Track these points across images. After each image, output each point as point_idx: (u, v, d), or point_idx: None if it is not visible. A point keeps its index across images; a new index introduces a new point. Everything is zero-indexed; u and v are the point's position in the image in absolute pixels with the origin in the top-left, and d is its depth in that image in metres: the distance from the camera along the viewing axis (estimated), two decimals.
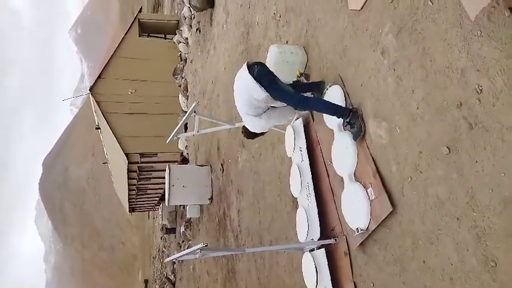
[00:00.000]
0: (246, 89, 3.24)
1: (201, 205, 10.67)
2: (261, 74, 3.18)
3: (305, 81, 4.24)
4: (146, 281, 29.42)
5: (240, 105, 3.42)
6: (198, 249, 3.27)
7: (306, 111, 4.20)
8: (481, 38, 2.11)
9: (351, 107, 3.32)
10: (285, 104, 3.37)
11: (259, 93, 3.15)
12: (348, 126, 3.31)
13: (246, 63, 3.24)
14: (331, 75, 3.76)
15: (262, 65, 3.27)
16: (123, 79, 17.11)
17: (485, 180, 2.09)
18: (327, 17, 3.92)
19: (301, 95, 3.41)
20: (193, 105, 4.26)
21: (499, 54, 2.01)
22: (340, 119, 3.36)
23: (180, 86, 15.12)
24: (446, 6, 2.34)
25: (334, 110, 3.36)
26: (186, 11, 13.86)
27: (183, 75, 15.15)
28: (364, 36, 3.21)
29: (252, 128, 3.61)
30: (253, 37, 6.69)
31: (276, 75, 3.32)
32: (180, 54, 15.72)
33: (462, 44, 2.23)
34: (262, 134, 3.89)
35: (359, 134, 3.17)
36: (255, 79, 3.12)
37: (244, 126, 3.74)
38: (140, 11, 21.07)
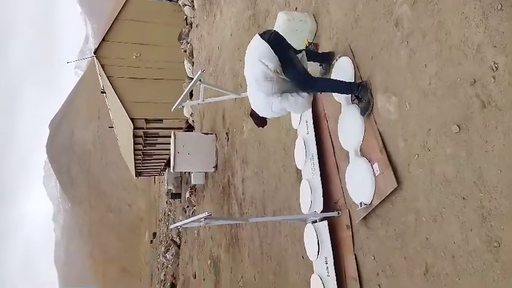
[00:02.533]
0: (258, 55, 2.96)
1: (206, 172, 10.77)
2: (276, 40, 2.99)
3: (314, 50, 4.12)
4: (154, 234, 30.39)
5: (251, 78, 3.11)
6: (202, 217, 3.32)
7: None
8: (501, 12, 2.00)
9: (360, 81, 3.23)
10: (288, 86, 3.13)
11: (271, 58, 2.91)
12: (356, 100, 3.24)
13: (258, 33, 3.06)
14: (341, 45, 3.64)
15: (276, 33, 3.10)
16: (128, 42, 16.81)
17: (495, 160, 2.05)
18: None
19: (311, 76, 3.24)
20: (198, 73, 4.17)
21: None
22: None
23: (185, 51, 14.84)
24: None
25: (342, 88, 3.26)
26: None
27: (188, 40, 14.82)
28: (377, 6, 3.07)
29: (262, 113, 3.27)
30: (261, 2, 6.46)
31: (291, 46, 3.16)
32: (186, 18, 15.31)
33: (480, 18, 2.13)
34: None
35: (367, 108, 3.11)
36: (268, 43, 2.91)
37: (253, 111, 3.38)
38: None
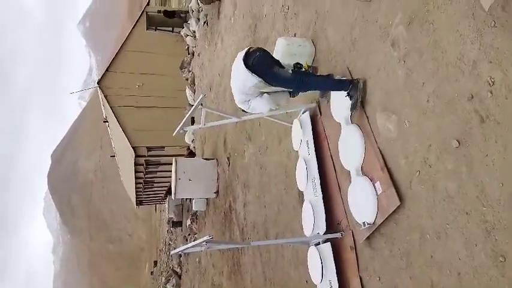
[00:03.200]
0: (239, 80, 3.32)
1: (207, 198, 10.70)
2: (259, 62, 3.22)
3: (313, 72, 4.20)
4: (155, 262, 29.81)
5: (236, 93, 3.49)
6: (203, 241, 3.28)
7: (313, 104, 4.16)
8: (495, 28, 2.06)
9: (351, 79, 3.37)
10: (279, 89, 3.41)
11: (251, 80, 3.20)
12: (348, 97, 3.36)
13: (243, 52, 3.26)
14: (339, 67, 3.71)
15: (263, 51, 3.31)
16: (131, 72, 17.15)
17: (496, 174, 2.05)
18: (336, 8, 3.86)
19: (300, 77, 3.34)
20: (200, 97, 4.24)
21: None
22: (347, 97, 3.38)
23: (187, 79, 15.11)
24: None
25: (334, 85, 3.43)
26: (193, 4, 13.80)
27: (190, 68, 15.13)
28: (374, 28, 3.16)
29: (239, 104, 3.62)
30: (261, 30, 6.64)
31: (276, 60, 3.40)
32: (188, 48, 15.70)
33: (475, 35, 2.19)
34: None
35: (355, 106, 3.29)
36: (249, 68, 3.18)
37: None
38: (148, 4, 21.03)
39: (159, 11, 16.68)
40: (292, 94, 3.59)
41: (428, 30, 2.53)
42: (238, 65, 3.27)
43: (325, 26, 4.09)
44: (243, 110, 3.72)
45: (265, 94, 3.38)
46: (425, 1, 2.56)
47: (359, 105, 3.24)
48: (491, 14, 2.07)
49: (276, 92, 3.46)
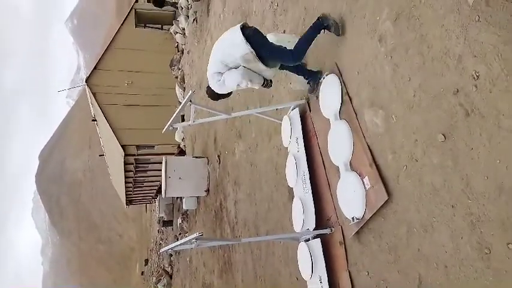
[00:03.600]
0: (229, 45, 3.24)
1: (197, 197, 10.66)
2: (256, 33, 3.26)
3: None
4: (146, 261, 29.59)
5: (213, 62, 3.41)
6: (193, 238, 3.26)
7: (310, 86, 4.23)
8: (479, 23, 2.08)
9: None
10: (264, 68, 3.30)
11: (243, 49, 3.14)
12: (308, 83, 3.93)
13: (241, 24, 3.26)
14: (328, 63, 3.72)
15: (256, 29, 3.34)
16: (120, 70, 16.99)
17: (481, 167, 2.07)
18: (324, 5, 3.87)
19: (290, 50, 3.43)
20: (189, 94, 4.21)
21: (497, 40, 1.98)
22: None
23: (176, 77, 15.03)
24: None
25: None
26: (183, 1, 13.72)
27: (179, 66, 15.04)
28: (361, 24, 3.17)
29: (217, 89, 3.50)
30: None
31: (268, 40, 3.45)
32: (177, 45, 15.60)
33: (460, 29, 2.21)
34: (228, 95, 3.78)
35: (312, 91, 3.95)
36: (245, 37, 3.13)
37: (208, 87, 3.64)
38: (137, 1, 20.85)
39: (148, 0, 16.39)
40: (266, 82, 3.48)
41: (414, 26, 2.55)
42: (232, 33, 3.22)
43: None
44: (208, 93, 3.72)
45: (241, 66, 3.28)
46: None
47: (315, 92, 3.75)
48: (476, 8, 2.09)
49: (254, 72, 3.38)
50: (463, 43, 2.18)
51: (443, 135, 2.30)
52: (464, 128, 2.17)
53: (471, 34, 2.13)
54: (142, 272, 30.55)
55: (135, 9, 17.78)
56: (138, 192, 22.41)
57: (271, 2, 5.49)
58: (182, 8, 13.94)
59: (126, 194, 21.94)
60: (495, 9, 1.98)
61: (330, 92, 3.50)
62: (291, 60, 3.47)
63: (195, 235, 3.24)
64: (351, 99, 3.28)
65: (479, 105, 2.09)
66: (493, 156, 2.01)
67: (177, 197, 15.15)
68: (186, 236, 12.70)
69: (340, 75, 3.45)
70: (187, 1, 13.07)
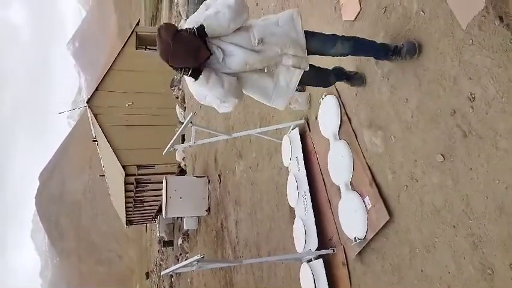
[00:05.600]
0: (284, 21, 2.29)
1: (198, 217, 10.61)
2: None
3: (298, 90, 4.26)
4: (147, 274, 28.98)
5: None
6: (195, 261, 3.25)
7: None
8: (473, 46, 2.14)
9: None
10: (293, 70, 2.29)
11: (296, 29, 2.28)
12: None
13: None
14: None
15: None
16: (121, 91, 17.16)
17: (480, 187, 2.09)
18: (322, 26, 3.96)
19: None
20: (189, 115, 4.27)
21: (491, 63, 2.03)
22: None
23: (177, 97, 15.18)
24: (438, 15, 2.37)
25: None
26: (183, 24, 13.99)
27: (180, 86, 15.21)
28: None
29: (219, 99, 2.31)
30: None
31: None
32: None
33: (454, 52, 2.26)
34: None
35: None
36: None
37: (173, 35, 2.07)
38: (138, 24, 21.25)
39: None
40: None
41: None
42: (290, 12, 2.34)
43: None
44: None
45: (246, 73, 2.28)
46: (407, 20, 2.64)
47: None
48: (469, 32, 2.15)
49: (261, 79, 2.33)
50: (458, 65, 2.23)
51: (442, 155, 2.33)
52: (463, 148, 2.20)
53: (465, 57, 2.19)
54: (147, 273, 29.63)
55: (136, 32, 18.08)
56: (139, 212, 22.27)
57: None
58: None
59: (126, 214, 21.80)
60: (487, 33, 2.04)
61: (329, 112, 3.54)
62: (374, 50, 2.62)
63: (196, 257, 3.23)
64: (350, 120, 3.32)
65: (476, 126, 2.12)
66: (492, 177, 2.03)
67: (178, 217, 15.06)
68: (187, 256, 12.54)
69: (338, 96, 3.50)
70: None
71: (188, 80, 2.24)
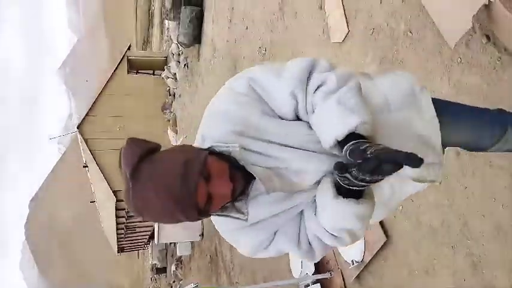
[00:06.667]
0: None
1: (192, 242, 10.39)
2: None
3: None
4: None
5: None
6: None
7: None
8: (462, 64, 2.15)
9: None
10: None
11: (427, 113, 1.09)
12: None
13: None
14: None
15: None
16: (111, 116, 17.11)
17: (476, 206, 2.06)
18: (311, 49, 4.00)
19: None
20: (181, 139, 4.23)
21: (480, 80, 2.04)
22: None
23: (169, 120, 15.16)
24: (426, 35, 2.40)
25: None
26: (174, 48, 14.12)
27: (171, 109, 15.23)
28: (349, 66, 3.26)
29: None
30: (240, 70, 6.78)
31: None
32: (169, 90, 15.88)
33: (443, 71, 2.27)
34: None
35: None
36: None
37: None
38: (129, 48, 21.42)
39: None
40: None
41: (399, 68, 2.63)
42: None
43: None
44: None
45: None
46: (394, 41, 2.67)
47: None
48: (457, 51, 2.17)
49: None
50: (448, 84, 2.24)
51: None
52: (457, 166, 2.18)
53: (455, 75, 2.20)
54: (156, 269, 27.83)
55: (127, 57, 18.22)
56: (130, 238, 21.81)
57: (259, 47, 5.67)
58: (173, 54, 14.33)
59: (117, 241, 21.33)
60: (475, 51, 2.06)
61: None
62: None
63: (191, 285, 3.13)
64: None
65: None
66: (487, 195, 2.00)
67: (171, 242, 14.76)
68: (181, 284, 12.18)
69: None
70: (178, 47, 13.46)
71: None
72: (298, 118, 0.96)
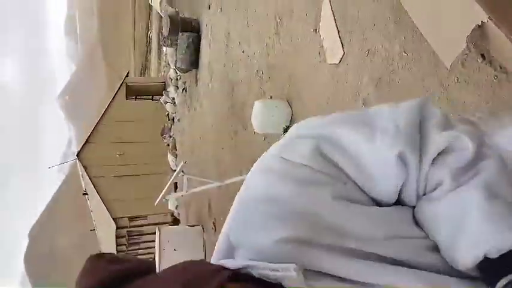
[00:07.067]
0: None
1: None
2: None
3: None
4: None
5: None
6: None
7: None
8: (458, 83, 2.16)
9: None
10: None
11: None
12: None
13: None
14: None
15: None
16: (111, 142, 17.14)
17: None
18: (308, 71, 4.04)
19: None
20: (180, 165, 4.22)
21: (478, 99, 2.05)
22: None
23: (168, 145, 15.18)
24: (421, 55, 2.42)
25: None
26: (172, 73, 14.31)
27: (171, 134, 15.27)
28: (345, 88, 3.28)
29: None
30: (238, 94, 6.85)
31: None
32: (168, 114, 15.97)
33: (440, 90, 2.29)
34: None
35: None
36: None
37: None
38: (127, 75, 21.69)
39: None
40: None
41: (396, 89, 2.65)
42: None
43: (299, 89, 4.25)
44: None
45: None
46: (390, 62, 2.70)
47: None
48: (453, 70, 2.18)
49: None
50: (446, 103, 2.25)
51: None
52: None
53: (453, 94, 2.20)
54: None
55: (126, 83, 18.43)
56: None
57: (257, 71, 5.73)
58: (172, 79, 14.51)
59: None
60: (471, 70, 2.07)
61: None
62: None
63: None
64: None
65: None
66: None
67: None
68: None
69: None
70: (176, 73, 13.63)
71: None
72: (397, 201, 0.57)
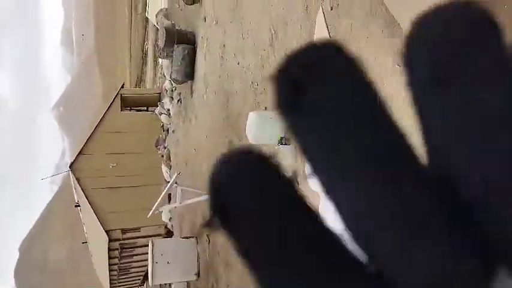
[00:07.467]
0: None
1: (187, 282, 10.06)
2: None
3: (286, 144, 4.28)
4: None
5: None
6: None
7: None
8: None
9: None
10: None
11: None
12: None
13: None
14: None
15: None
16: (105, 153, 17.03)
17: None
18: None
19: None
20: (174, 176, 4.19)
21: None
22: None
23: (162, 156, 15.11)
24: None
25: None
26: (167, 84, 14.35)
27: (165, 145, 15.22)
28: None
29: None
30: (233, 105, 6.86)
31: None
32: (163, 125, 15.95)
33: None
34: None
35: None
36: None
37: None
38: (123, 86, 21.69)
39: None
40: None
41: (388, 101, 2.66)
42: None
43: None
44: None
45: None
46: (384, 74, 2.72)
47: None
48: None
49: None
50: None
51: None
52: None
53: None
54: None
55: (121, 95, 18.42)
56: (124, 280, 21.10)
57: (251, 82, 5.76)
58: (167, 91, 14.54)
59: (110, 283, 20.60)
60: None
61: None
62: None
63: None
64: None
65: None
66: None
67: (166, 283, 14.29)
68: None
69: None
70: (172, 84, 13.67)
71: None
72: None
